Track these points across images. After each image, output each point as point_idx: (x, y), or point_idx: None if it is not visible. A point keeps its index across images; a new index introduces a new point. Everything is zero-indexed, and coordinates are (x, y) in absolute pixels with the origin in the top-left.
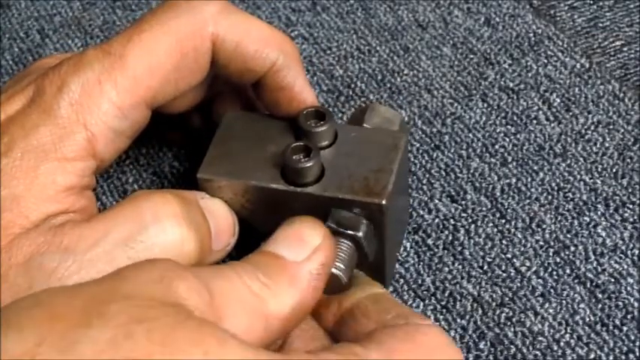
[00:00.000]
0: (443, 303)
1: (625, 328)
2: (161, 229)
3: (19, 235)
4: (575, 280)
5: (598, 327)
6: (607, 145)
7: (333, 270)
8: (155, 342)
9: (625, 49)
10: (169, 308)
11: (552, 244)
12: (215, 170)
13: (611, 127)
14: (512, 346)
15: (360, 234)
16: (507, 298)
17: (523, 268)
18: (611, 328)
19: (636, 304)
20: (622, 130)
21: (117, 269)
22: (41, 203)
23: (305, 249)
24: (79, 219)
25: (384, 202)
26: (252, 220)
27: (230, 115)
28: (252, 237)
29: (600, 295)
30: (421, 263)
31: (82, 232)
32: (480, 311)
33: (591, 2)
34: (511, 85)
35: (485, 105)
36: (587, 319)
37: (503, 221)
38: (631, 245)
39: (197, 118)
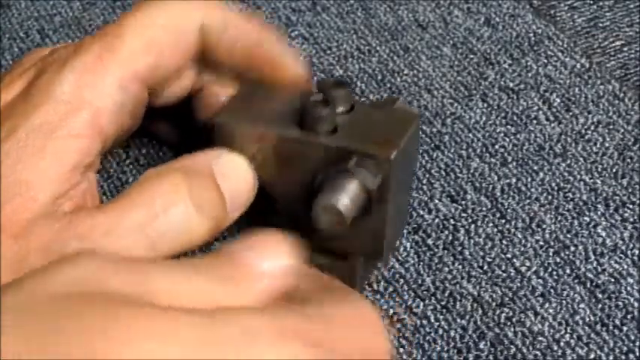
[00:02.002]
0: (443, 303)
1: (625, 328)
2: (171, 219)
3: (32, 220)
4: (575, 280)
5: (598, 327)
6: (607, 145)
7: (338, 205)
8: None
9: (625, 49)
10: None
11: (552, 244)
12: (232, 116)
13: (611, 127)
14: (512, 346)
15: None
16: (507, 298)
17: (523, 268)
18: (611, 328)
19: (636, 304)
20: (622, 130)
21: (38, 267)
22: (47, 185)
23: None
24: (89, 204)
25: (392, 156)
26: (260, 173)
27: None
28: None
29: (600, 295)
30: (421, 263)
31: (95, 220)
32: (480, 311)
33: (591, 2)
34: (511, 85)
35: (485, 105)
36: (587, 319)
37: (503, 221)
38: (631, 245)
39: (164, 126)
